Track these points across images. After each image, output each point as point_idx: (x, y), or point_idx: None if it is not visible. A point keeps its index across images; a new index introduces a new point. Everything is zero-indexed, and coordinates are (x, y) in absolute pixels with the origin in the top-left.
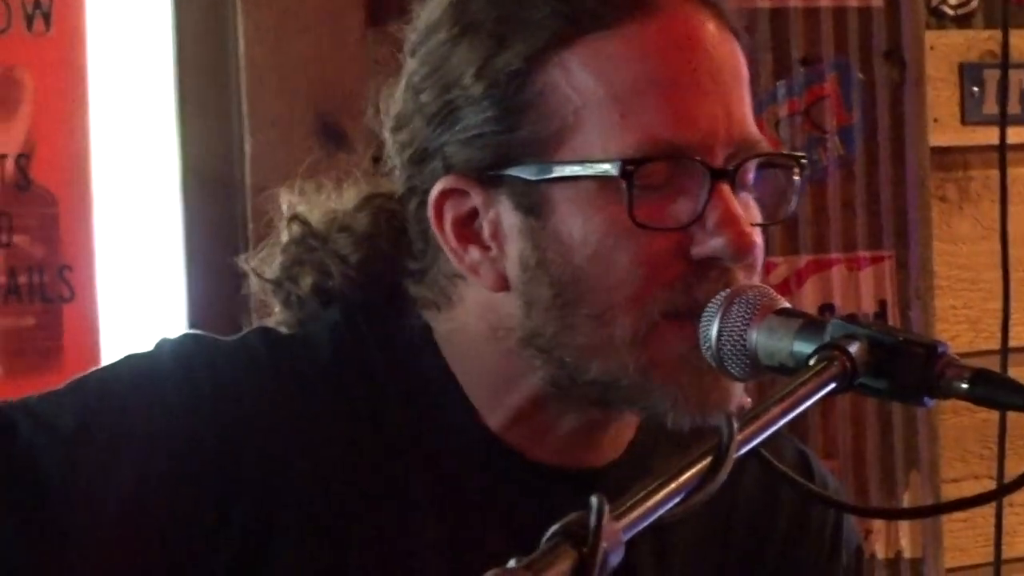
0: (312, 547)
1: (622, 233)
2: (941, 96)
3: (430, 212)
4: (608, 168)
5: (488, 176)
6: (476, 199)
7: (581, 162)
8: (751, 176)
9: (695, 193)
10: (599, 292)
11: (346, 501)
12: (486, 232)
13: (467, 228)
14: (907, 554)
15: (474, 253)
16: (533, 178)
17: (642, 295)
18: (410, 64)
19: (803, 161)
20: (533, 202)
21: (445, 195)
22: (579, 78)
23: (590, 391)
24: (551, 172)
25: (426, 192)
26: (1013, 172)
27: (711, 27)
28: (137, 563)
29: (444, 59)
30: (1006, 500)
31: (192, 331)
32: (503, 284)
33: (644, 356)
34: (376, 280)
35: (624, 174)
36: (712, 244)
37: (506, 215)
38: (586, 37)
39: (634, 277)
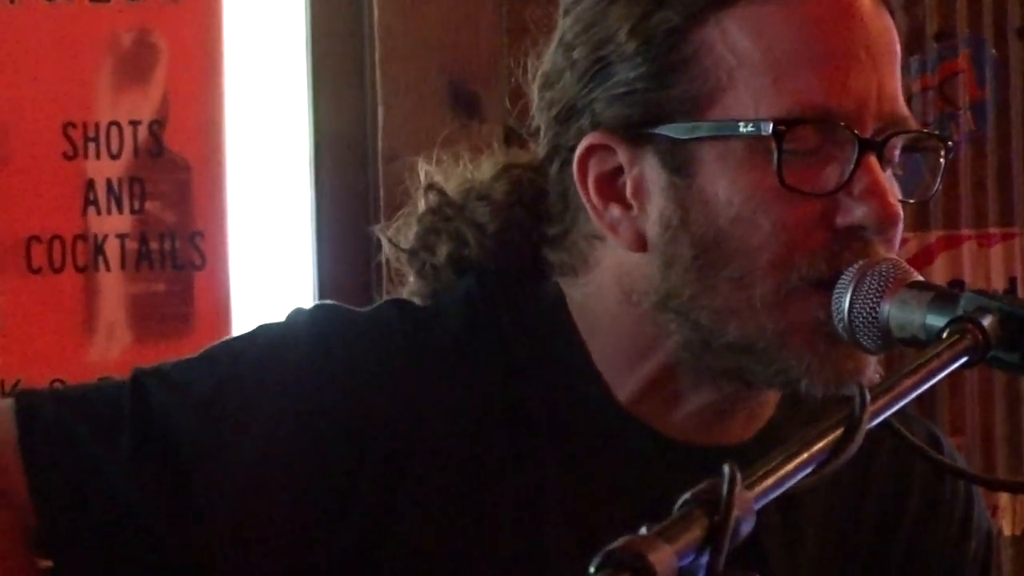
0: (440, 517)
1: (767, 196)
2: None
3: (574, 168)
4: (760, 128)
5: (636, 133)
6: (622, 156)
7: (732, 122)
8: (896, 153)
9: (842, 162)
10: (741, 254)
11: (475, 473)
12: (628, 190)
13: (610, 185)
14: None
15: (614, 211)
16: (681, 136)
17: (784, 260)
18: (563, 23)
19: (950, 144)
20: (680, 161)
21: (591, 151)
22: (736, 40)
23: (723, 357)
24: (700, 131)
25: (571, 150)
26: None
27: (867, 1)
28: (266, 527)
29: (599, 16)
30: None
31: (326, 302)
32: (641, 244)
33: (783, 320)
34: (512, 249)
35: (776, 135)
36: (857, 213)
37: (651, 173)
38: (745, 0)
39: (777, 242)
